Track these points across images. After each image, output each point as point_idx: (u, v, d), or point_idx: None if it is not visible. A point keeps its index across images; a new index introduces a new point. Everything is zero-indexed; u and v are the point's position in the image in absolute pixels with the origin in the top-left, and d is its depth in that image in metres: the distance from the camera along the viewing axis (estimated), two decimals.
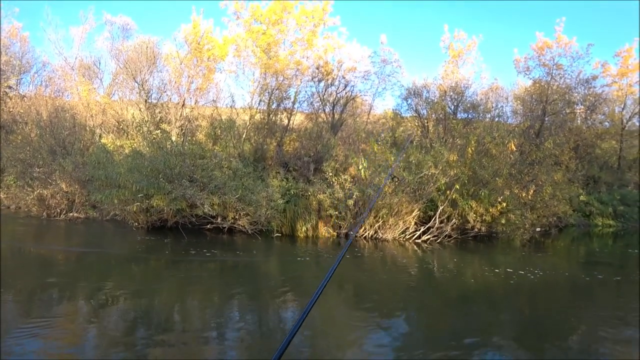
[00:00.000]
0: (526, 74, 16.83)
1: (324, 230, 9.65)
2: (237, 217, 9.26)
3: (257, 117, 13.20)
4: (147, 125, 11.57)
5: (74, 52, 15.87)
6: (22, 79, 17.21)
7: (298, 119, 14.54)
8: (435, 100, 13.92)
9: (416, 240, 9.54)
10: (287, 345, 0.91)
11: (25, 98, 15.68)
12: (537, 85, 16.01)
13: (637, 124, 18.37)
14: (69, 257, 7.13)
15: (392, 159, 9.52)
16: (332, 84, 14.58)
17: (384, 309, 4.95)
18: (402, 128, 15.36)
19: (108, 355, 3.35)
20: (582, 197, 14.42)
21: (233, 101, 13.90)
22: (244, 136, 12.34)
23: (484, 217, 9.63)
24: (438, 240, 9.59)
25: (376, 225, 9.51)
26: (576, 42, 15.76)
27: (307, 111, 14.73)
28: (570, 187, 11.85)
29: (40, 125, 12.08)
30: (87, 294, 4.95)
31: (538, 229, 11.54)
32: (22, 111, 14.49)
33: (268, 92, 13.13)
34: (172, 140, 10.25)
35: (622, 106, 18.32)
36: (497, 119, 14.35)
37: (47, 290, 5.04)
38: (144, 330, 3.95)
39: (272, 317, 4.46)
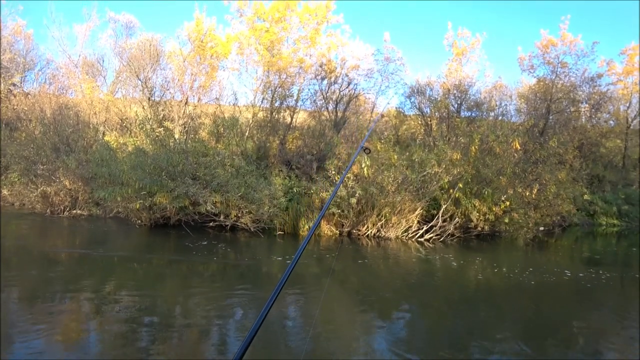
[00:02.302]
0: (530, 72, 16.73)
1: (327, 229, 9.64)
2: (239, 215, 9.27)
3: (260, 115, 13.20)
4: (150, 122, 11.59)
5: (77, 49, 15.95)
6: (26, 76, 17.31)
7: (301, 117, 14.52)
8: (439, 99, 13.86)
9: (419, 239, 9.52)
10: (248, 345, 0.90)
11: (29, 95, 15.76)
12: (542, 83, 15.90)
13: None
14: (72, 255, 7.17)
15: (395, 157, 9.49)
16: (335, 82, 14.55)
17: (386, 308, 4.94)
18: (405, 126, 15.31)
19: (109, 354, 3.36)
20: (586, 196, 14.33)
21: (236, 99, 13.92)
22: (246, 134, 12.34)
23: (487, 216, 9.59)
24: (441, 239, 9.56)
25: (379, 224, 9.50)
26: (581, 40, 15.64)
27: (310, 109, 14.72)
28: (574, 186, 11.76)
29: (44, 122, 12.13)
30: (89, 293, 4.97)
31: (541, 228, 11.49)
32: (26, 108, 14.56)
33: (271, 90, 13.12)
34: (175, 138, 10.27)
35: (627, 105, 18.16)
36: (500, 118, 14.28)
37: (49, 288, 5.06)
38: (145, 329, 3.96)
39: (274, 316, 4.46)
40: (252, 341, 0.92)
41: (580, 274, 7.16)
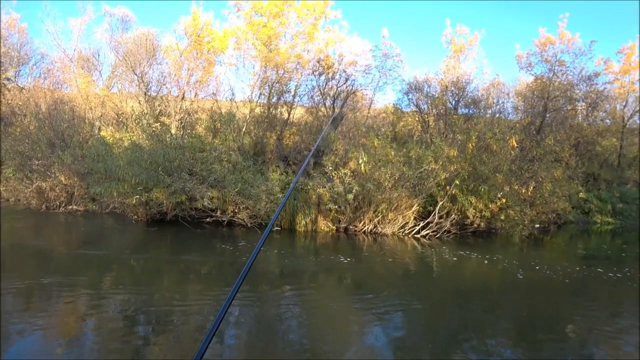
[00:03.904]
0: (528, 70, 16.73)
1: (324, 225, 9.65)
2: (236, 210, 9.26)
3: (257, 110, 13.14)
4: (147, 118, 11.52)
5: (72, 43, 15.74)
6: (20, 70, 17.09)
7: (298, 113, 14.48)
8: (436, 95, 13.85)
9: (415, 235, 9.55)
10: (208, 345, 0.87)
11: (23, 90, 15.57)
12: (539, 81, 15.91)
13: (638, 121, 18.34)
14: (69, 251, 7.13)
15: (392, 153, 9.49)
16: (332, 78, 14.49)
17: (382, 304, 4.96)
18: (402, 123, 15.30)
19: (106, 352, 3.35)
20: (581, 195, 14.41)
21: (233, 94, 13.84)
22: (243, 130, 12.29)
23: (483, 213, 9.63)
24: (437, 236, 9.60)
25: (375, 220, 9.51)
26: (579, 38, 15.66)
27: (307, 105, 14.67)
28: (569, 184, 11.83)
29: (39, 117, 12.02)
30: (85, 291, 4.95)
31: (537, 226, 11.55)
32: (20, 103, 14.40)
33: (268, 86, 13.06)
34: (171, 133, 10.22)
35: (624, 104, 18.24)
36: (498, 115, 14.31)
37: (45, 285, 5.03)
38: (141, 327, 3.95)
39: (270, 313, 4.46)
40: (212, 340, 0.89)
41: (574, 271, 7.22)
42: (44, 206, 10.94)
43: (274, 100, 13.26)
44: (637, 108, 18.01)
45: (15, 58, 16.62)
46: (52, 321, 3.88)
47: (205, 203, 8.90)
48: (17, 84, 16.33)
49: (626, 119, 18.17)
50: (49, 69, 16.52)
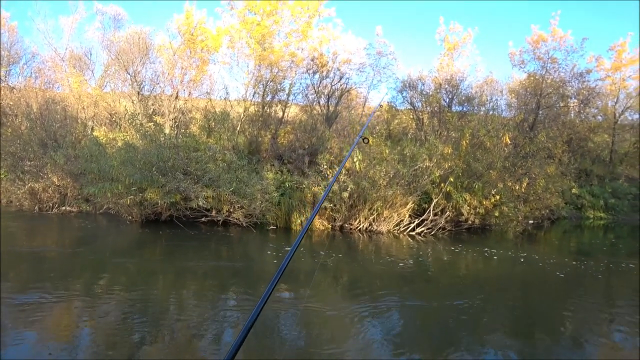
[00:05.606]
0: (521, 67, 16.88)
1: (319, 223, 9.66)
2: (231, 210, 9.23)
3: (252, 109, 13.11)
4: (140, 117, 11.44)
5: (64, 42, 15.56)
6: (10, 70, 16.85)
7: (293, 111, 14.46)
8: (430, 93, 13.91)
9: (410, 233, 9.60)
10: (241, 344, 0.88)
11: (14, 90, 15.36)
12: (532, 78, 16.05)
13: (629, 117, 18.58)
14: (63, 254, 7.08)
15: (387, 151, 9.52)
16: (327, 76, 14.49)
17: (378, 302, 4.98)
18: (397, 121, 15.36)
19: (103, 354, 3.34)
20: (574, 190, 14.58)
21: (227, 93, 13.79)
22: (238, 128, 12.26)
23: (477, 209, 9.71)
24: (432, 233, 9.66)
25: (370, 218, 9.55)
26: (571, 36, 15.82)
27: (301, 103, 14.66)
28: (562, 180, 11.96)
29: (31, 117, 11.88)
30: (80, 293, 4.92)
31: (531, 222, 11.67)
32: (11, 103, 14.20)
33: (262, 84, 13.03)
34: (165, 133, 10.16)
35: (615, 100, 18.47)
36: (491, 112, 14.40)
37: (40, 289, 4.99)
38: (137, 328, 3.94)
39: (267, 313, 4.47)
40: (245, 340, 0.90)
41: (568, 266, 7.31)
42: (36, 208, 10.83)
43: (268, 98, 13.23)
44: (628, 104, 18.24)
45: (5, 57, 16.38)
46: (49, 322, 3.86)
47: (200, 203, 8.87)
48: (7, 84, 16.11)
49: (617, 115, 18.40)
50: (40, 69, 16.32)
